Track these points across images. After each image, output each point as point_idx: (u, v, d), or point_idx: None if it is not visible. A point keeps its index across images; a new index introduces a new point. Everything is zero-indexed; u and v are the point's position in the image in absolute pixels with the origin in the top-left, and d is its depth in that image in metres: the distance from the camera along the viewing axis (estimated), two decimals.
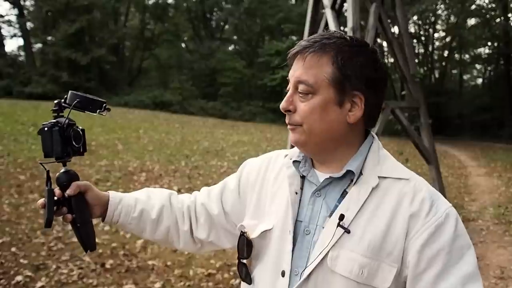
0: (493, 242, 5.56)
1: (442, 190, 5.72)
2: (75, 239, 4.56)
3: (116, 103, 23.37)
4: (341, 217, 0.96)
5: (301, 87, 0.98)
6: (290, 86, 1.02)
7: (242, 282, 1.16)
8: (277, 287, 1.03)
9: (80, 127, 1.13)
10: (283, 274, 1.02)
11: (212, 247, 1.30)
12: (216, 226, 1.24)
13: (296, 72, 0.99)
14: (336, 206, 1.00)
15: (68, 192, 1.08)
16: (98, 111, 1.11)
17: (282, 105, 1.01)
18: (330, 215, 0.99)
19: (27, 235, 4.64)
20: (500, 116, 24.12)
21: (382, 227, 0.96)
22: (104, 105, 1.12)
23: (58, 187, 1.10)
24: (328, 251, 0.96)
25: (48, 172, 1.09)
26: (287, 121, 1.03)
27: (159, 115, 20.83)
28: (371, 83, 0.99)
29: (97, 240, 4.21)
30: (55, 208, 1.06)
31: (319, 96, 0.97)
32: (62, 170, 1.11)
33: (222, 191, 1.25)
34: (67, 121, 1.09)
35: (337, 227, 0.96)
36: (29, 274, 3.79)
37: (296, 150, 1.12)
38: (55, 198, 1.07)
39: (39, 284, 3.65)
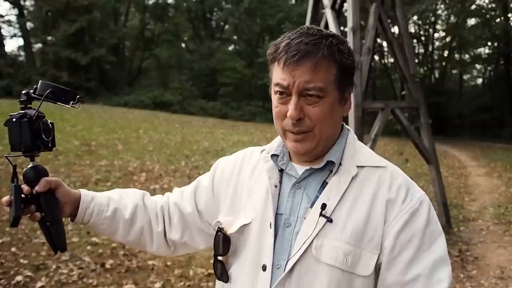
0: (493, 242, 5.56)
1: (442, 190, 5.72)
2: (75, 239, 4.57)
3: (116, 103, 23.38)
4: (323, 206, 0.98)
5: (312, 92, 0.96)
6: (289, 92, 0.98)
7: (217, 281, 1.14)
8: (258, 281, 1.02)
9: (49, 120, 1.05)
10: (264, 268, 1.02)
11: (186, 249, 1.27)
12: (189, 225, 1.22)
13: (300, 78, 0.96)
14: (317, 197, 1.01)
15: (37, 188, 1.02)
16: (71, 102, 1.05)
17: (293, 114, 0.97)
18: (312, 206, 1.01)
19: (27, 235, 4.64)
20: (500, 116, 24.10)
21: (363, 215, 0.98)
22: (78, 96, 1.06)
23: (25, 184, 1.03)
24: (312, 241, 0.97)
25: (15, 167, 1.02)
26: (295, 129, 0.99)
27: (159, 115, 20.82)
28: (353, 75, 1.05)
29: (97, 240, 4.19)
30: (22, 206, 0.99)
31: (327, 98, 0.98)
32: (30, 165, 1.03)
33: (195, 189, 1.23)
34: (36, 113, 1.02)
35: (319, 216, 0.98)
36: (29, 274, 3.79)
37: (273, 145, 1.13)
38: (23, 195, 1.00)
39: (39, 284, 3.65)
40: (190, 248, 1.27)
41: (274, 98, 1.03)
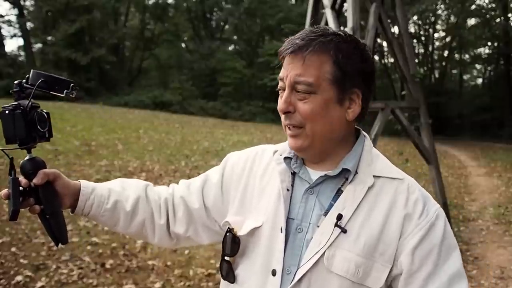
0: (493, 242, 5.56)
1: (442, 190, 5.72)
2: (75, 239, 4.56)
3: (116, 103, 23.37)
4: (339, 216, 0.96)
5: (300, 87, 0.96)
6: (285, 86, 0.99)
7: (222, 281, 1.13)
8: (267, 286, 1.01)
9: (45, 111, 1.02)
10: (273, 273, 1.00)
11: (189, 242, 1.25)
12: (195, 220, 1.19)
13: (292, 71, 0.97)
14: (331, 205, 0.99)
15: (35, 181, 1.00)
16: (65, 91, 1.02)
17: (281, 106, 0.98)
18: (325, 214, 0.99)
19: (27, 235, 4.63)
20: (500, 116, 24.11)
21: (377, 227, 0.96)
22: (72, 85, 1.02)
23: (23, 176, 1.01)
24: (325, 251, 0.96)
25: (11, 159, 1.00)
26: (286, 122, 0.99)
27: (159, 115, 20.81)
28: (367, 78, 1.00)
29: (97, 240, 4.18)
30: (20, 199, 0.97)
31: (319, 95, 0.96)
32: (27, 158, 1.01)
33: (204, 184, 1.20)
34: (30, 103, 0.98)
35: (334, 226, 0.96)
36: (29, 274, 3.79)
37: (286, 146, 1.10)
38: (21, 188, 0.98)
39: (39, 284, 3.65)
40: (193, 242, 1.25)
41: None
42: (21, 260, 4.04)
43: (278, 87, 1.01)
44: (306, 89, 0.96)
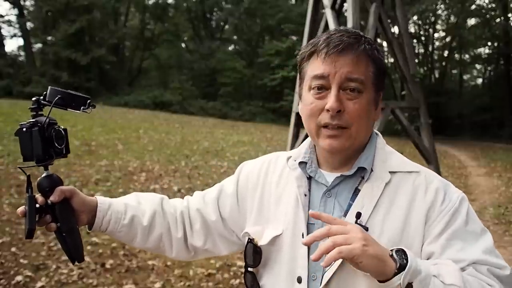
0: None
1: None
2: None
3: (116, 103, 23.40)
4: (358, 215, 0.95)
5: (353, 85, 0.95)
6: (327, 84, 0.96)
7: None
8: None
9: (62, 127, 1.03)
10: (299, 280, 0.99)
11: (207, 254, 1.24)
12: (212, 232, 1.18)
13: (342, 69, 0.94)
14: (350, 205, 0.99)
15: (52, 198, 1.00)
16: (82, 108, 1.02)
17: (333, 105, 0.94)
18: (345, 214, 0.98)
19: None
20: (500, 116, 24.11)
21: (399, 222, 0.96)
22: (89, 101, 1.02)
23: (40, 194, 1.01)
24: None
25: (28, 177, 1.00)
26: (333, 122, 0.95)
27: (159, 115, 20.82)
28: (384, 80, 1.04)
29: (97, 240, 4.18)
30: (37, 216, 0.97)
31: (366, 94, 0.97)
32: (44, 175, 1.01)
33: (219, 196, 1.19)
34: (47, 120, 0.98)
35: None
36: (29, 274, 3.79)
37: (300, 151, 1.09)
38: (37, 205, 0.98)
39: (39, 284, 3.65)
40: (211, 254, 1.24)
41: (309, 94, 0.99)
42: (21, 260, 4.04)
43: (318, 84, 0.97)
44: (357, 87, 0.95)
